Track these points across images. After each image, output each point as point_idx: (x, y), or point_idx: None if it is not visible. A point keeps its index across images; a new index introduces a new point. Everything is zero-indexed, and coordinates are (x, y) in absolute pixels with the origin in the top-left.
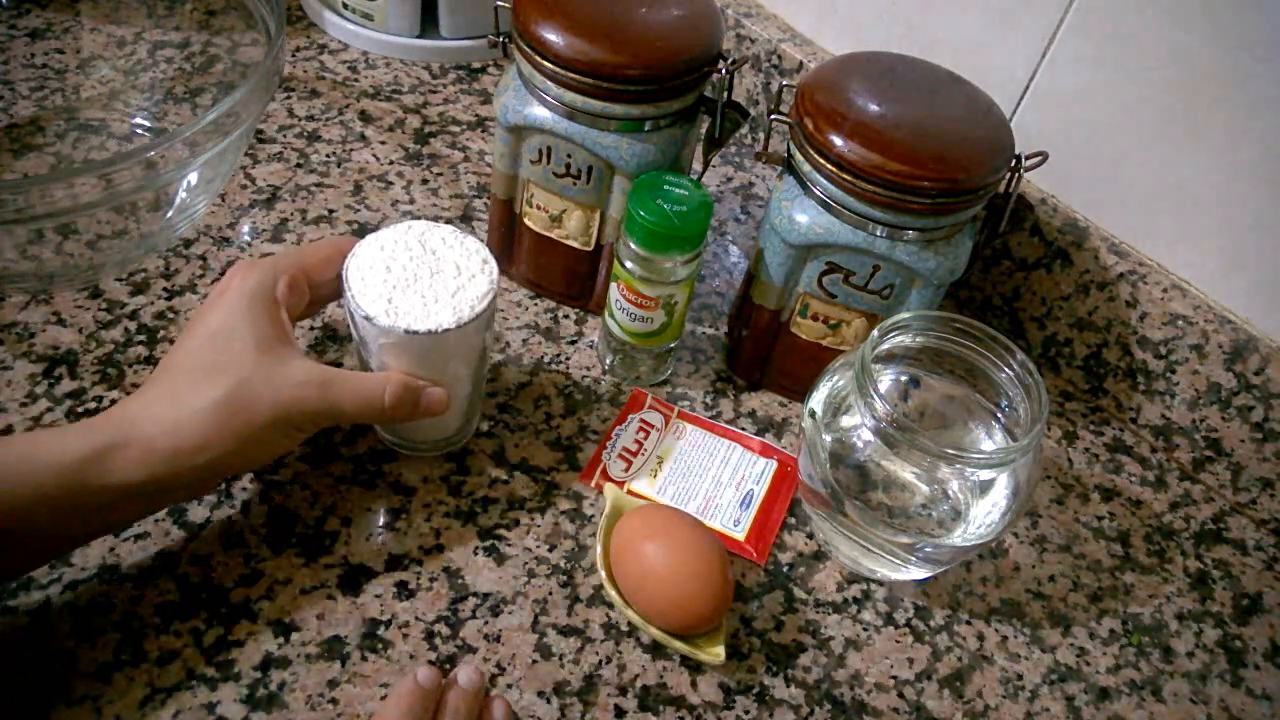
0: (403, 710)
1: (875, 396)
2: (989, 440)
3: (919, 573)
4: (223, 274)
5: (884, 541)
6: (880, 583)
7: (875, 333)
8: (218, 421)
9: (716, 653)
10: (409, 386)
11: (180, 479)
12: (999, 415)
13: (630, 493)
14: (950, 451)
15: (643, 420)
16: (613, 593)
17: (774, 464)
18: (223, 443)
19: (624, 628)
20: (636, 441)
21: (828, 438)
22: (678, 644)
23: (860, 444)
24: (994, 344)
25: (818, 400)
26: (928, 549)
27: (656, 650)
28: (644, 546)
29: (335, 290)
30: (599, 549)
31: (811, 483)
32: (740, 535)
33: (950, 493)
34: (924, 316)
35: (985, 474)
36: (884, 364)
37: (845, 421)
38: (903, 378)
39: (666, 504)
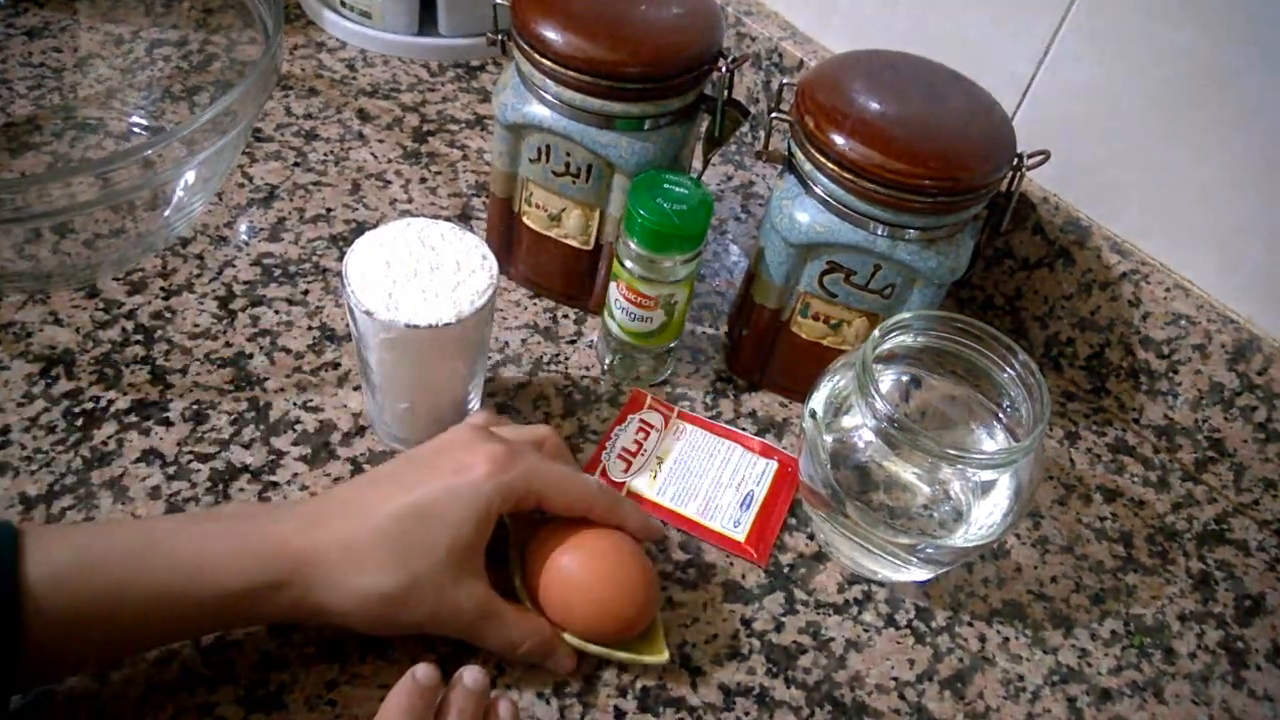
0: (402, 709)
1: (876, 396)
2: (990, 441)
3: (920, 573)
4: (220, 273)
5: (885, 542)
6: (881, 584)
7: (876, 332)
8: (370, 607)
9: (660, 653)
10: (548, 645)
11: (311, 622)
12: (1001, 415)
13: (630, 494)
14: (952, 452)
15: (642, 420)
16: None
17: (774, 464)
18: (362, 620)
19: None
20: (636, 442)
21: (828, 438)
22: (620, 655)
23: (861, 444)
24: (995, 344)
25: (818, 400)
26: (929, 550)
27: None
28: (560, 562)
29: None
30: (515, 580)
31: (812, 483)
32: (740, 536)
33: (952, 493)
34: (925, 316)
35: (987, 475)
36: (885, 364)
37: (846, 422)
38: (904, 378)
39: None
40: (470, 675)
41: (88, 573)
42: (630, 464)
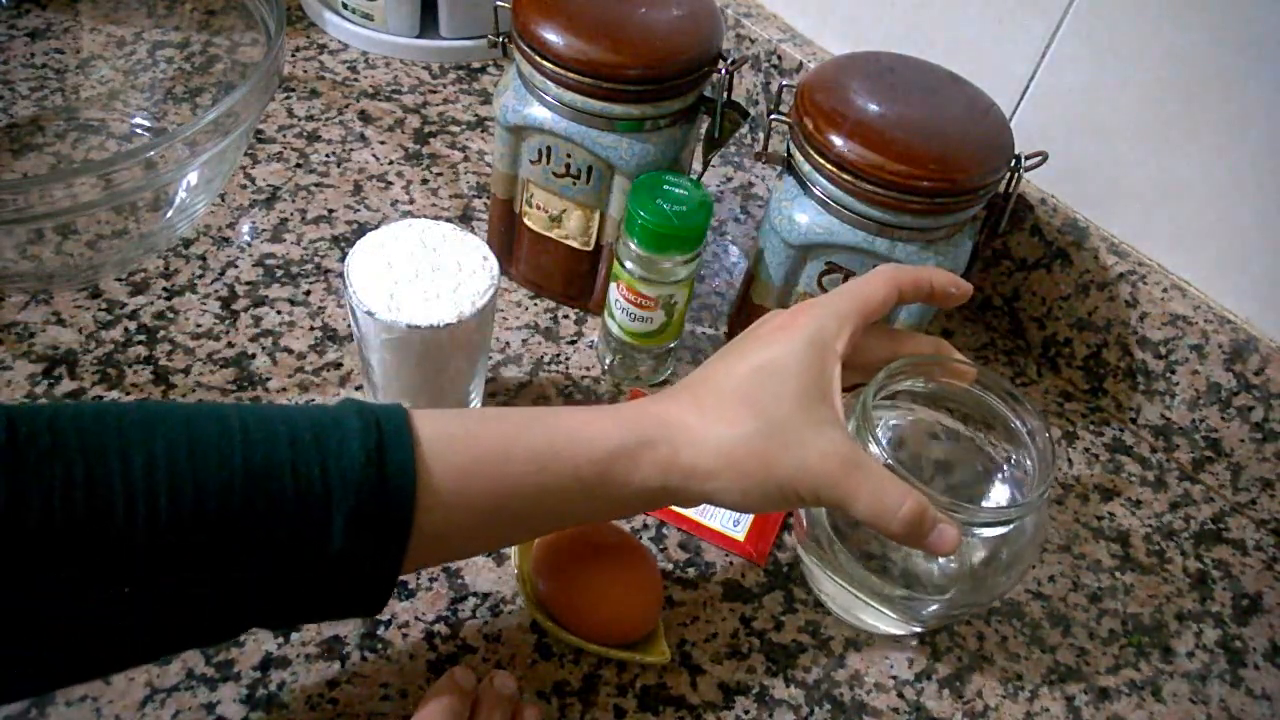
0: (442, 709)
1: (872, 439)
2: (997, 492)
3: (916, 627)
4: (223, 274)
5: (877, 592)
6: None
7: (881, 374)
8: (736, 459)
9: (660, 652)
10: (927, 514)
11: (679, 496)
12: (1007, 467)
13: None
14: (942, 503)
15: None
16: (543, 619)
17: None
18: (732, 481)
19: None
20: None
21: None
22: (621, 654)
23: None
24: (1003, 393)
25: None
26: (931, 605)
27: None
28: (567, 563)
29: (881, 356)
30: (517, 578)
31: (805, 522)
32: (740, 535)
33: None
34: (930, 360)
35: (987, 532)
36: (894, 402)
37: None
38: (909, 417)
39: None
40: (500, 680)
41: (473, 436)
42: None
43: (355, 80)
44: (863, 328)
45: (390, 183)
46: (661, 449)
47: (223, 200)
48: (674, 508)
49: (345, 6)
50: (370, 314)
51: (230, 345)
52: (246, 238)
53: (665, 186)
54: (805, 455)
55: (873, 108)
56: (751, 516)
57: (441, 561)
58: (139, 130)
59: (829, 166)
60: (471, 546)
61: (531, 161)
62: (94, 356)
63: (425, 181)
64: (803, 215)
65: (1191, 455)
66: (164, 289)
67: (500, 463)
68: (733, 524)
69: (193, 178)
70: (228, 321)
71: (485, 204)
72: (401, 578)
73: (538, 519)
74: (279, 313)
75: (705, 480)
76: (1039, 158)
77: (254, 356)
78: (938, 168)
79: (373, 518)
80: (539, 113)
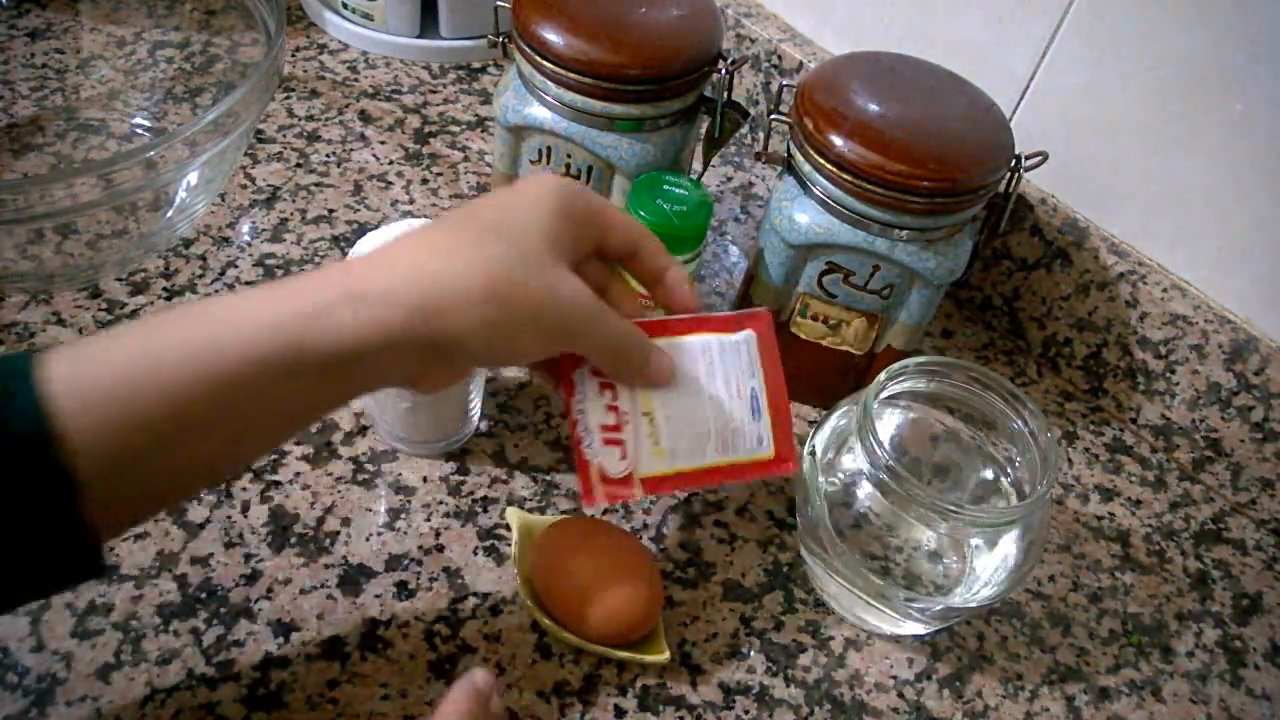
0: (463, 712)
1: (874, 442)
2: (997, 493)
3: (919, 628)
4: (223, 274)
5: (879, 593)
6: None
7: (883, 375)
8: (483, 285)
9: (660, 651)
10: (665, 364)
11: (410, 349)
12: (1009, 467)
13: (644, 481)
14: (943, 506)
15: (593, 375)
16: (542, 618)
17: (751, 335)
18: (477, 313)
19: None
20: (610, 408)
21: (821, 480)
22: (621, 654)
23: (861, 490)
24: (1005, 394)
25: (820, 438)
26: (934, 606)
27: None
28: (567, 563)
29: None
30: (517, 578)
31: (807, 526)
32: (768, 452)
33: (955, 545)
34: (934, 362)
35: (988, 532)
36: (894, 403)
37: (847, 462)
38: (911, 415)
39: (587, 515)
40: (480, 676)
41: (108, 355)
42: (623, 445)
43: (355, 80)
44: (590, 248)
45: (390, 183)
46: (372, 299)
47: (223, 200)
48: (695, 465)
49: (345, 6)
50: None
51: None
52: (246, 238)
53: (665, 186)
54: (557, 285)
55: (873, 108)
56: (769, 422)
57: (175, 496)
58: (139, 130)
59: (829, 166)
60: (163, 490)
61: (531, 161)
62: None
63: (425, 181)
64: (803, 215)
65: (1191, 455)
66: (164, 289)
67: (149, 373)
68: (757, 444)
69: (193, 178)
70: None
71: None
72: (401, 578)
73: (219, 423)
74: None
75: (442, 317)
76: (1039, 158)
77: None
78: (938, 168)
79: (19, 478)
80: (539, 113)
